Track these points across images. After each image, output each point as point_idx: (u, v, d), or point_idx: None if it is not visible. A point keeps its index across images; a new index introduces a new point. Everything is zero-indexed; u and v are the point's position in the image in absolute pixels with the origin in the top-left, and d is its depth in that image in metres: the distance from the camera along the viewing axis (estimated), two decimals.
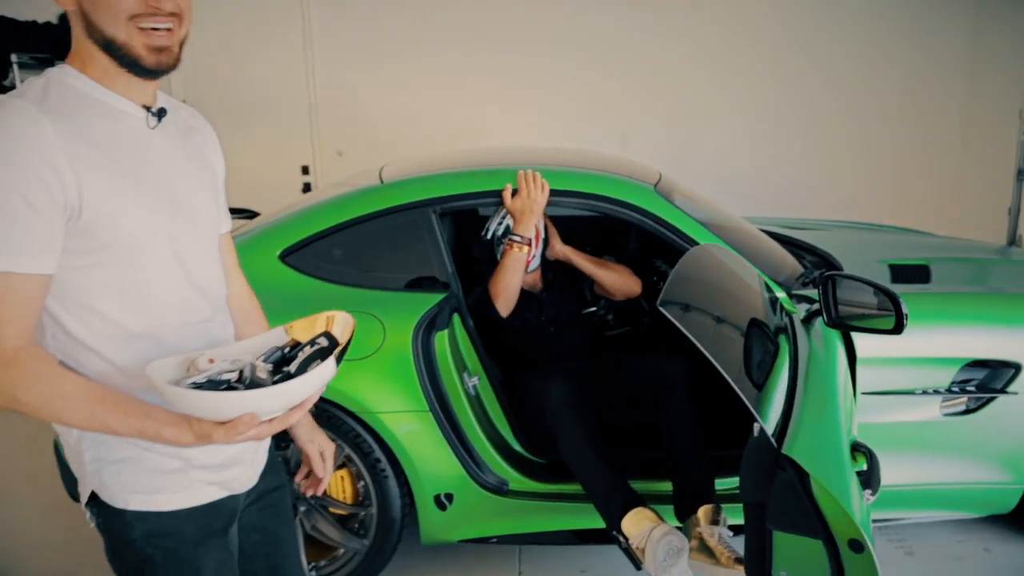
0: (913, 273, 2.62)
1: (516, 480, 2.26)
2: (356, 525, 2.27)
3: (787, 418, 1.35)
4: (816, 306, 1.92)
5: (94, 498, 1.11)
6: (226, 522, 1.19)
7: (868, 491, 1.27)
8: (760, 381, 1.48)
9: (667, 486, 2.24)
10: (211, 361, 1.07)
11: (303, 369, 1.01)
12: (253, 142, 4.95)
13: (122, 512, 1.10)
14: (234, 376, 1.02)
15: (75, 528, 2.77)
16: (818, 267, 2.61)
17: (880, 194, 4.56)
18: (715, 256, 1.88)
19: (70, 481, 2.35)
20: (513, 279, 2.33)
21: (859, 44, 4.41)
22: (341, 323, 1.11)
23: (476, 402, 2.26)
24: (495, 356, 2.39)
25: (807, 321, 1.93)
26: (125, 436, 1.01)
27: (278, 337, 1.12)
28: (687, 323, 1.33)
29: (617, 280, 2.56)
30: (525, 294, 2.53)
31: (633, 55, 4.55)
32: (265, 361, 1.05)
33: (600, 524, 2.21)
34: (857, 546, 1.14)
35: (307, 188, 4.92)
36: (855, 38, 4.40)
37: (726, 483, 2.27)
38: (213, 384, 1.00)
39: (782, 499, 1.23)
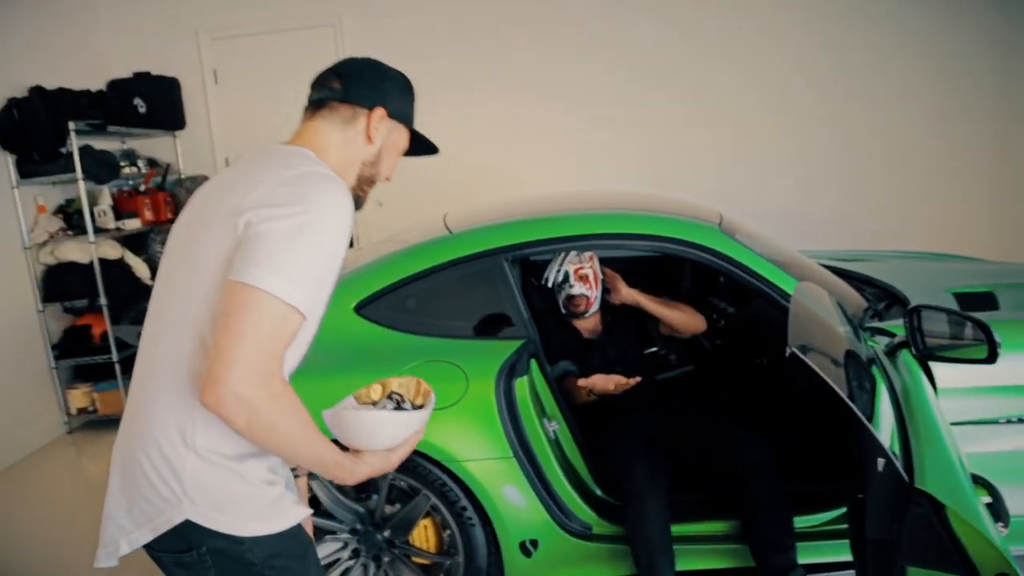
0: (980, 301, 2.61)
1: (599, 524, 2.25)
2: (442, 574, 2.26)
3: (908, 452, 1.34)
4: (898, 339, 1.93)
5: (191, 532, 1.18)
6: (308, 535, 1.34)
7: (1000, 523, 1.26)
8: (868, 415, 1.48)
9: (718, 526, 2.27)
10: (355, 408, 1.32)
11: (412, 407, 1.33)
12: None
13: (242, 540, 1.19)
14: (391, 406, 1.31)
15: None
16: (880, 299, 2.61)
17: (920, 224, 4.55)
18: (813, 292, 1.89)
19: None
20: (578, 401, 2.41)
21: (898, 75, 4.45)
22: (397, 384, 1.37)
23: (557, 447, 2.26)
24: (569, 400, 2.39)
25: (891, 353, 1.93)
26: (325, 471, 1.20)
27: (351, 402, 1.34)
28: (815, 363, 1.33)
29: (683, 318, 2.58)
30: (587, 341, 2.55)
31: (667, 97, 4.61)
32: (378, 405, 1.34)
33: (685, 566, 2.20)
34: None
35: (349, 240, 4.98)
36: (894, 70, 4.45)
37: (807, 520, 2.26)
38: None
39: (916, 535, 1.22)
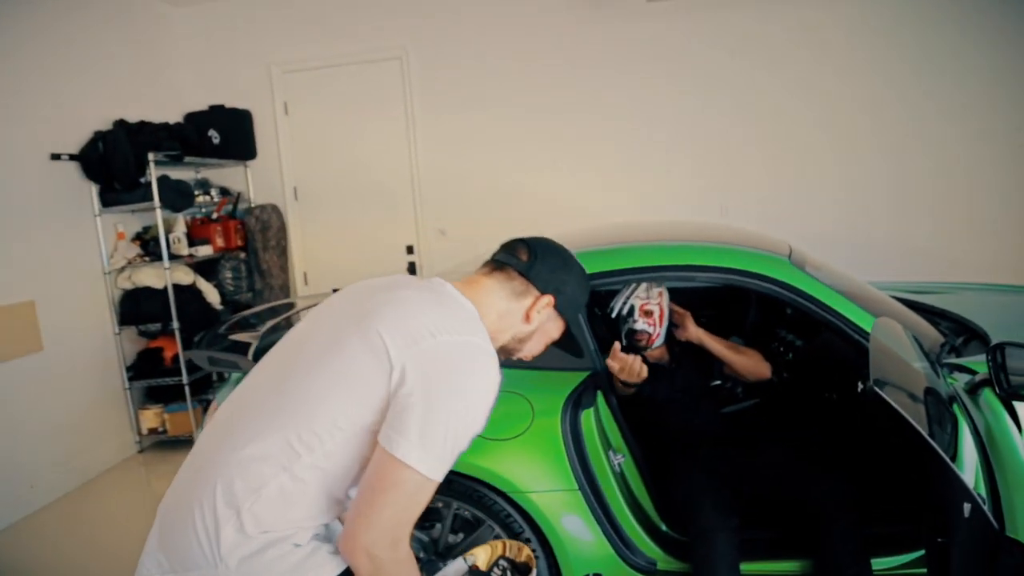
0: None
1: (664, 560, 2.22)
2: None
3: (996, 496, 1.30)
4: (980, 376, 1.87)
5: None
6: None
7: None
8: (951, 455, 1.43)
9: (790, 566, 2.20)
10: None
11: None
12: (360, 224, 5.18)
13: None
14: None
15: None
16: (957, 333, 2.53)
17: (985, 253, 4.40)
18: (890, 328, 1.85)
19: None
20: (623, 392, 2.39)
21: (958, 105, 4.34)
22: (514, 548, 1.42)
23: (622, 480, 2.24)
24: (636, 432, 2.37)
25: (972, 391, 1.87)
26: None
27: (461, 566, 1.42)
28: (893, 399, 1.30)
29: (749, 364, 2.54)
30: (654, 367, 2.53)
31: (726, 125, 4.58)
32: None
33: None
34: None
35: (412, 267, 5.07)
36: (955, 99, 4.34)
37: (881, 563, 2.18)
38: None
39: None
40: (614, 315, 2.52)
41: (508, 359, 1.43)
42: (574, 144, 4.78)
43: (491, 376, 1.22)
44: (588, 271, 2.29)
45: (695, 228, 2.82)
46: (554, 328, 1.46)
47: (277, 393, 1.25)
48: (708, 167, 4.64)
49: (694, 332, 2.50)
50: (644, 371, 2.25)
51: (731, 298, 3.14)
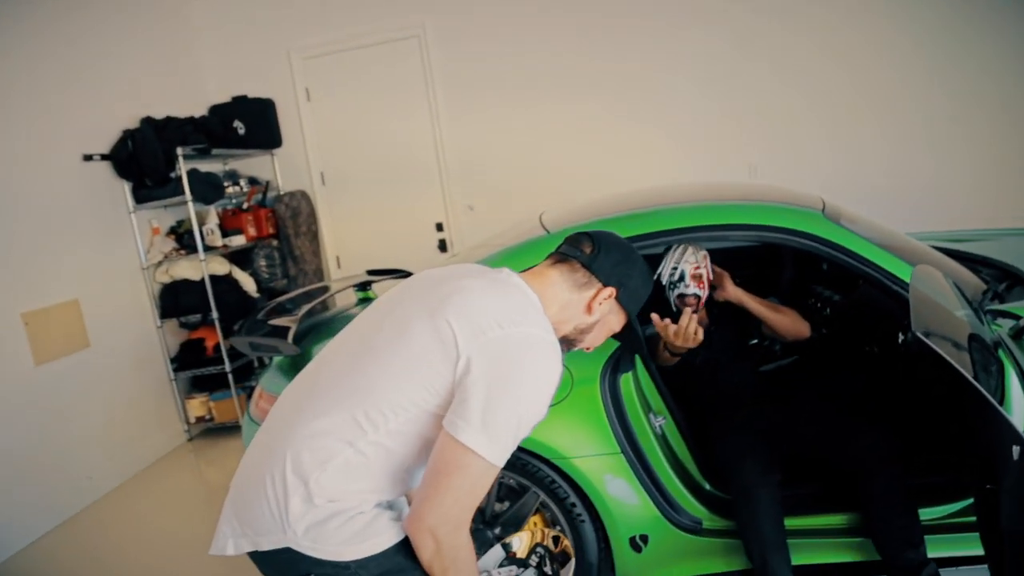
0: None
1: (709, 518, 2.24)
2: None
3: None
4: None
5: (295, 560, 1.26)
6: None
7: None
8: (998, 400, 1.42)
9: (836, 519, 2.21)
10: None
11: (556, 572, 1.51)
12: (389, 205, 5.21)
13: (347, 564, 1.26)
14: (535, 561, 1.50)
15: None
16: (999, 279, 2.48)
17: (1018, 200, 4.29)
18: (930, 276, 1.83)
19: None
20: (665, 364, 2.39)
21: (990, 53, 4.21)
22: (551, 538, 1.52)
23: (663, 442, 2.26)
24: (676, 395, 2.38)
25: (1017, 336, 1.84)
26: None
27: (499, 553, 1.51)
28: (941, 347, 1.29)
29: (788, 324, 2.50)
30: None
31: (754, 83, 4.50)
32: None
33: (801, 560, 2.16)
34: None
35: (443, 244, 5.10)
36: (987, 47, 4.21)
37: (928, 513, 2.17)
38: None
39: None
40: (664, 280, 2.49)
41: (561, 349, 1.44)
42: (599, 112, 4.74)
43: (553, 366, 1.26)
44: (630, 234, 2.30)
45: (725, 188, 2.79)
46: (615, 321, 1.48)
47: (346, 375, 1.31)
48: (735, 128, 4.57)
49: (733, 292, 2.48)
50: (700, 333, 2.22)
51: (766, 257, 3.12)
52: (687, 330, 2.20)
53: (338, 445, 1.25)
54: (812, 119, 4.48)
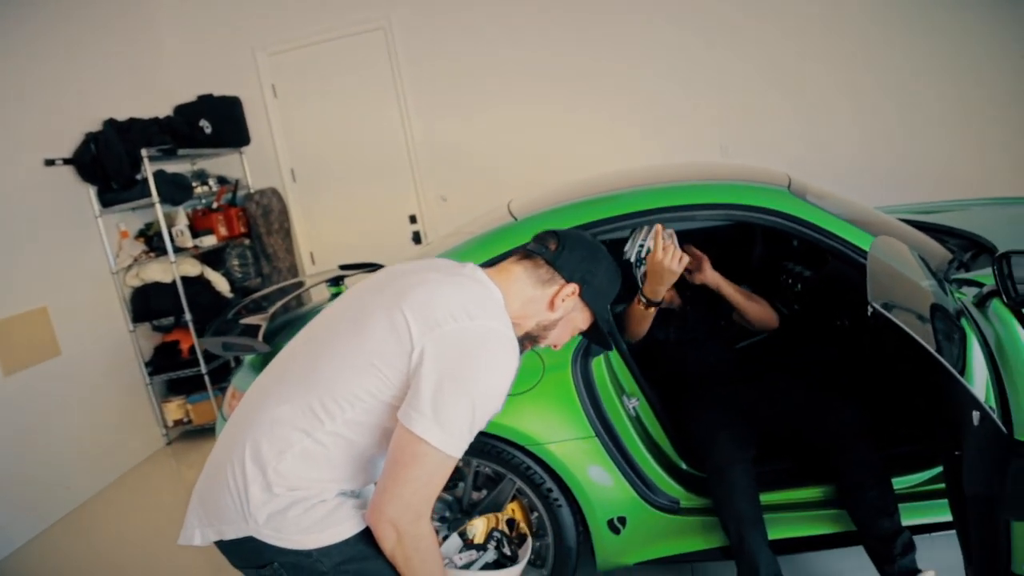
0: None
1: (686, 498, 2.25)
2: (532, 556, 2.30)
3: (1005, 404, 1.30)
4: (988, 288, 1.85)
5: (261, 549, 1.27)
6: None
7: None
8: (960, 368, 1.43)
9: (812, 493, 2.22)
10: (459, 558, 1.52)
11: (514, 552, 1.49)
12: (361, 199, 5.17)
13: (309, 552, 1.27)
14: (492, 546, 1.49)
15: None
16: (966, 249, 2.51)
17: (992, 170, 4.33)
18: (892, 247, 1.83)
19: None
20: (637, 328, 2.36)
21: (961, 24, 4.24)
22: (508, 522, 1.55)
23: (638, 423, 2.26)
24: (649, 375, 2.38)
25: (980, 304, 1.86)
26: None
27: (456, 542, 1.52)
28: (899, 318, 1.30)
29: (759, 313, 2.51)
30: (665, 311, 2.53)
31: (723, 65, 4.51)
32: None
33: (778, 535, 2.17)
34: None
35: (417, 236, 5.07)
36: (957, 19, 4.24)
37: (901, 482, 2.20)
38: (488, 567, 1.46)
39: (1019, 488, 1.18)
40: (632, 259, 2.48)
41: (524, 347, 1.45)
42: (569, 99, 4.73)
43: (507, 360, 1.26)
44: (586, 220, 2.30)
45: (691, 168, 2.80)
46: (580, 319, 1.47)
47: (305, 364, 1.32)
48: (706, 110, 4.58)
49: (711, 276, 2.49)
50: (684, 257, 2.20)
51: (737, 236, 3.12)
52: (671, 255, 2.18)
53: (295, 434, 1.25)
54: (781, 98, 4.49)
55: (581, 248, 1.45)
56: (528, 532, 1.44)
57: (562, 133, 4.75)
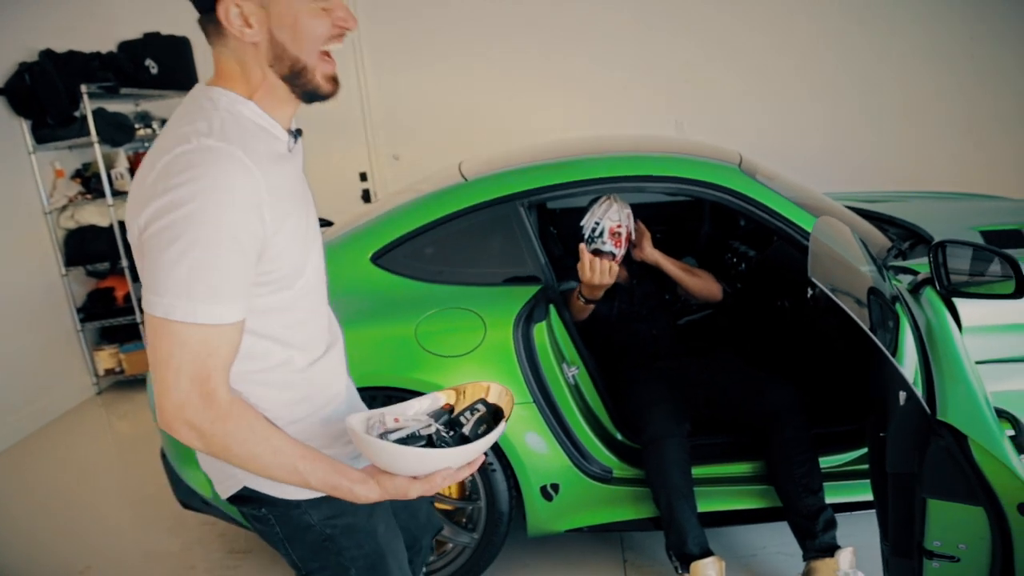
0: (1008, 238, 2.55)
1: (619, 467, 2.27)
2: (464, 519, 2.30)
3: (930, 386, 1.32)
4: (922, 276, 1.89)
5: (254, 498, 1.20)
6: None
7: (1023, 455, 1.24)
8: (891, 351, 1.46)
9: (742, 468, 2.28)
10: (396, 420, 1.15)
11: (475, 432, 1.12)
12: (311, 154, 5.02)
13: (298, 504, 1.19)
14: (430, 431, 1.12)
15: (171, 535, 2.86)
16: (904, 239, 2.56)
17: (943, 164, 4.45)
18: (835, 228, 1.86)
19: (182, 489, 2.43)
20: (579, 316, 2.39)
21: (917, 14, 4.31)
22: (496, 393, 1.20)
23: (576, 392, 2.26)
24: (590, 345, 2.39)
25: (915, 291, 1.90)
26: (316, 489, 1.09)
27: (437, 401, 1.21)
28: (837, 299, 1.31)
29: (701, 286, 2.55)
30: (615, 286, 2.53)
31: (680, 39, 4.51)
32: (437, 423, 1.14)
33: (707, 508, 2.22)
34: None
35: (366, 194, 4.97)
36: (894, 8, 4.31)
37: (829, 461, 2.26)
38: (414, 440, 1.10)
39: (938, 467, 1.21)
40: (584, 233, 2.46)
41: (317, 85, 1.10)
42: (526, 66, 4.68)
43: (208, 177, 0.96)
44: (536, 185, 2.28)
45: (646, 141, 2.79)
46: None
47: None
48: (664, 85, 4.58)
49: (650, 253, 2.49)
50: (615, 270, 2.24)
51: (685, 212, 3.14)
52: (602, 267, 2.22)
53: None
54: (737, 79, 4.52)
55: None
56: (510, 406, 1.13)
57: (518, 99, 4.70)
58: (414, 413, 1.18)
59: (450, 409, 1.19)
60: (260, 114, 1.07)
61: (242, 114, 1.06)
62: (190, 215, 0.94)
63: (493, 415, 1.16)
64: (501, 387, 1.21)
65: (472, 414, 1.15)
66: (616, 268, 2.25)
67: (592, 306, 2.35)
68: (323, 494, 1.14)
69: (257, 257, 1.02)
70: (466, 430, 1.12)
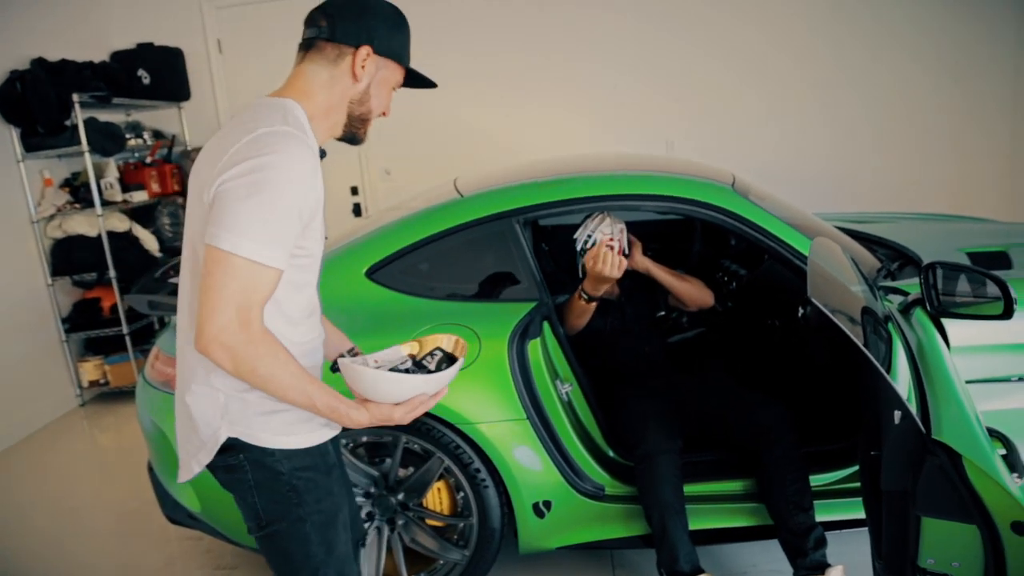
0: (994, 260, 2.59)
1: (611, 485, 2.27)
2: (455, 536, 2.29)
3: (924, 406, 1.34)
4: (913, 296, 1.92)
5: (234, 446, 1.35)
6: (335, 457, 1.50)
7: (1015, 474, 1.26)
8: (885, 369, 1.47)
9: (733, 486, 2.28)
10: (376, 361, 1.42)
11: (439, 368, 1.38)
12: None
13: (272, 452, 1.36)
14: (407, 365, 1.38)
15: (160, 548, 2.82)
16: (893, 260, 2.60)
17: (925, 186, 4.52)
18: (829, 249, 1.88)
19: (168, 503, 2.40)
20: (577, 321, 2.40)
21: (899, 38, 4.39)
22: (449, 342, 1.46)
23: (570, 409, 2.27)
24: (584, 362, 2.40)
25: (905, 311, 1.93)
26: (319, 412, 1.29)
27: (399, 351, 1.45)
28: (834, 316, 1.33)
29: (693, 292, 2.56)
30: (604, 301, 2.54)
31: (674, 60, 4.55)
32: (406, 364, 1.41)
33: (698, 525, 2.22)
34: (1022, 528, 1.13)
35: (357, 208, 4.97)
36: (895, 33, 4.38)
37: (819, 479, 2.27)
38: (397, 371, 1.36)
39: (933, 485, 1.22)
40: (578, 246, 2.48)
41: (358, 132, 1.43)
42: (520, 81, 4.70)
43: (287, 151, 1.21)
44: (532, 202, 2.29)
45: (640, 159, 2.81)
46: (391, 75, 1.42)
47: (185, 273, 1.39)
48: (655, 104, 4.62)
49: (640, 261, 2.51)
50: (624, 264, 2.29)
51: (677, 231, 3.17)
52: (609, 259, 2.27)
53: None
54: (731, 100, 4.57)
55: (349, 8, 1.36)
56: (463, 353, 1.43)
57: (512, 117, 4.73)
58: (385, 358, 1.41)
59: (413, 357, 1.43)
60: (309, 128, 1.33)
61: (302, 123, 1.31)
62: (266, 178, 1.18)
63: (448, 358, 1.41)
64: (453, 337, 1.45)
65: (432, 357, 1.39)
66: (624, 263, 2.28)
67: (593, 306, 2.34)
68: (297, 447, 1.37)
69: (303, 227, 1.26)
70: (432, 367, 1.37)
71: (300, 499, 1.38)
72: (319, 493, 1.41)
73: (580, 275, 2.44)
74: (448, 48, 4.66)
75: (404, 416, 1.32)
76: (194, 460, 1.38)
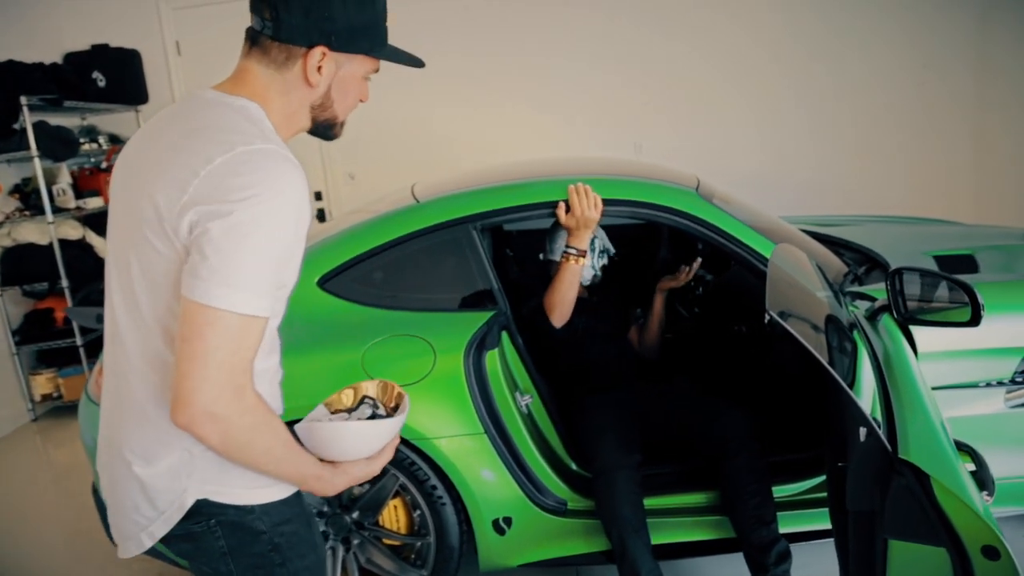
0: (960, 263, 2.56)
1: (575, 500, 2.19)
2: (413, 556, 2.20)
3: (891, 420, 1.28)
4: (879, 302, 1.87)
5: (200, 510, 1.14)
6: (305, 502, 1.30)
7: (985, 492, 1.20)
8: (849, 381, 1.41)
9: (696, 498, 2.22)
10: (330, 418, 1.24)
11: (386, 413, 1.25)
12: None
13: (252, 508, 1.15)
14: (367, 414, 1.23)
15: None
16: (860, 264, 2.56)
17: (892, 189, 4.51)
18: (792, 255, 1.82)
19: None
20: (570, 292, 2.27)
21: (864, 42, 4.38)
22: (369, 388, 1.29)
23: (530, 421, 2.19)
24: (550, 365, 2.32)
25: (872, 318, 1.87)
26: (305, 483, 1.14)
27: (321, 410, 1.27)
28: (795, 328, 1.26)
29: (653, 340, 2.60)
30: (577, 300, 2.46)
31: (642, 61, 4.51)
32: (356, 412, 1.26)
33: (660, 540, 2.15)
34: (993, 553, 1.07)
35: (321, 214, 4.86)
36: (860, 37, 4.38)
37: (785, 489, 2.21)
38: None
39: (899, 506, 1.16)
40: (551, 256, 2.40)
41: (332, 130, 1.24)
42: (486, 85, 4.64)
43: (283, 181, 1.01)
44: (491, 207, 2.21)
45: (603, 163, 2.75)
46: (359, 67, 1.18)
47: (121, 299, 1.16)
48: (625, 106, 4.57)
49: (661, 299, 2.58)
50: (600, 202, 2.18)
51: (643, 236, 3.11)
52: (592, 197, 2.17)
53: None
54: (703, 101, 4.54)
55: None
56: (404, 393, 1.26)
57: (476, 119, 4.66)
58: (325, 415, 1.25)
59: (342, 409, 1.28)
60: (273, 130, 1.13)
61: (273, 132, 1.12)
62: (259, 219, 0.98)
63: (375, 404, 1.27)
64: (376, 382, 1.30)
65: (367, 405, 1.25)
66: (600, 202, 2.18)
67: (583, 263, 2.24)
68: (278, 498, 1.17)
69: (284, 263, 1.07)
70: (385, 413, 1.24)
71: (283, 558, 1.20)
72: (303, 548, 1.23)
73: (550, 272, 2.36)
74: (414, 50, 4.56)
75: (378, 468, 1.20)
76: (144, 533, 1.15)
